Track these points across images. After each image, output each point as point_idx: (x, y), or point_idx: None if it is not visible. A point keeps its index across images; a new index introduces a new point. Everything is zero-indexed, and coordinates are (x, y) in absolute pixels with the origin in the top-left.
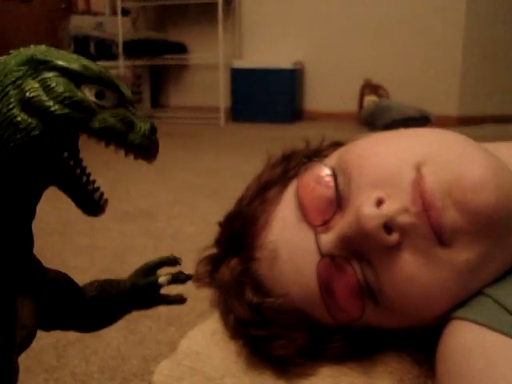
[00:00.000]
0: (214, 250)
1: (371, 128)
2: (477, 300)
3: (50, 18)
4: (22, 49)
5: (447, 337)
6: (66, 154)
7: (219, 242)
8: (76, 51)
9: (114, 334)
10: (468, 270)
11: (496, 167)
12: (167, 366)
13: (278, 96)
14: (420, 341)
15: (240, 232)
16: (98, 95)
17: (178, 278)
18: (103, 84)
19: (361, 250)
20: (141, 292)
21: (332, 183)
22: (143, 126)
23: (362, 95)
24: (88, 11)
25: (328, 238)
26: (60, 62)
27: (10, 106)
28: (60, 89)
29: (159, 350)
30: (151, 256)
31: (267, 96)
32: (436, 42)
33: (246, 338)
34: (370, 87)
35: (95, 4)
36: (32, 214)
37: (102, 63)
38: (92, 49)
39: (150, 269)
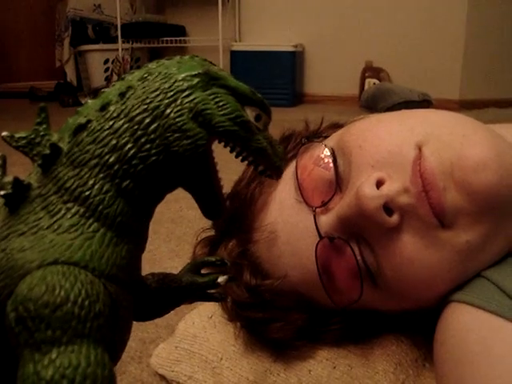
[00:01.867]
0: (211, 233)
1: (372, 111)
2: (476, 283)
3: (47, 0)
4: (188, 58)
5: (445, 320)
6: (215, 162)
7: (217, 224)
8: (74, 34)
9: None
10: (469, 251)
11: (499, 147)
12: (165, 349)
13: (279, 79)
14: (418, 324)
15: (238, 214)
16: (257, 118)
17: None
18: (262, 108)
19: (360, 232)
20: (196, 289)
21: (331, 164)
22: (280, 150)
23: (363, 78)
24: None
25: (327, 219)
26: (230, 82)
27: (181, 113)
28: (231, 106)
29: (157, 333)
30: (150, 240)
31: (267, 79)
32: (438, 25)
33: (244, 321)
34: (371, 70)
35: None
36: (151, 216)
37: (100, 46)
38: (90, 31)
39: (198, 267)
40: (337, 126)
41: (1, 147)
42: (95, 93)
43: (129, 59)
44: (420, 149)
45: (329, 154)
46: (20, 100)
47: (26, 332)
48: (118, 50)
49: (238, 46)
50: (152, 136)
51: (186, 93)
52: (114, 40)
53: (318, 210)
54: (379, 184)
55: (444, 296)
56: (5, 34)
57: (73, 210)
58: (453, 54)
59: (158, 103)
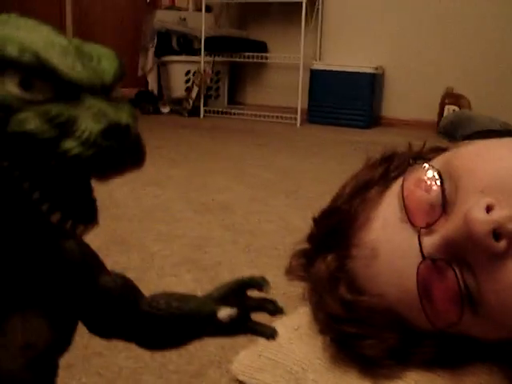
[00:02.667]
0: (305, 246)
1: (450, 138)
2: None
3: (135, 12)
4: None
5: None
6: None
7: (313, 238)
8: (158, 45)
9: None
10: None
11: None
12: (247, 357)
13: (357, 100)
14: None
15: (337, 229)
16: (24, 85)
17: (267, 308)
18: (35, 71)
19: (464, 255)
20: (218, 325)
21: (437, 186)
22: (92, 127)
23: (442, 104)
24: (172, 6)
25: (431, 241)
26: None
27: None
28: None
29: (236, 340)
30: (230, 249)
31: (345, 99)
32: None
33: (336, 334)
34: (452, 96)
35: (179, 0)
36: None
37: (183, 57)
38: (174, 43)
39: (240, 287)
40: (439, 150)
41: None
42: (175, 102)
43: (210, 72)
44: None
45: (436, 176)
46: None
47: None
48: (199, 62)
49: (318, 65)
50: None
51: None
52: (197, 52)
53: (422, 230)
54: (488, 209)
55: None
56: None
57: None
58: None
59: None
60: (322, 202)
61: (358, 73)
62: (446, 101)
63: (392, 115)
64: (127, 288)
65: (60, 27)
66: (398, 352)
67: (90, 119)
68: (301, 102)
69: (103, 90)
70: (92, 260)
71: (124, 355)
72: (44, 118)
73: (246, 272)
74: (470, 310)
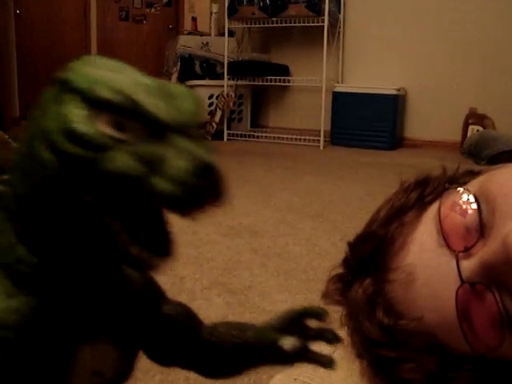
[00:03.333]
0: (340, 270)
1: (475, 159)
2: None
3: (158, 38)
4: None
5: None
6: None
7: (349, 262)
8: (182, 69)
9: None
10: None
11: None
12: (282, 380)
13: (379, 122)
14: None
15: (374, 253)
16: (118, 126)
17: (326, 337)
18: (129, 113)
19: (502, 279)
20: (280, 354)
21: (475, 210)
22: (181, 165)
23: (466, 125)
24: (195, 31)
25: (469, 265)
26: (78, 84)
27: (33, 138)
28: (70, 117)
29: None
30: (259, 272)
31: (368, 121)
32: None
33: (373, 358)
34: (475, 117)
35: (202, 25)
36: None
37: (206, 81)
38: (197, 68)
39: (299, 317)
40: (472, 173)
41: None
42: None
43: (233, 95)
44: None
45: (472, 200)
46: None
47: None
48: (223, 86)
49: (341, 88)
50: (18, 169)
51: (42, 110)
52: (220, 76)
53: (460, 254)
54: None
55: None
56: None
57: None
58: None
59: (29, 131)
60: (349, 224)
61: (381, 94)
62: (470, 121)
63: (415, 136)
64: (188, 316)
65: (85, 49)
66: (437, 376)
67: (177, 157)
68: (323, 124)
69: (185, 128)
70: (154, 289)
71: (158, 378)
72: (134, 156)
73: (275, 296)
74: (510, 335)
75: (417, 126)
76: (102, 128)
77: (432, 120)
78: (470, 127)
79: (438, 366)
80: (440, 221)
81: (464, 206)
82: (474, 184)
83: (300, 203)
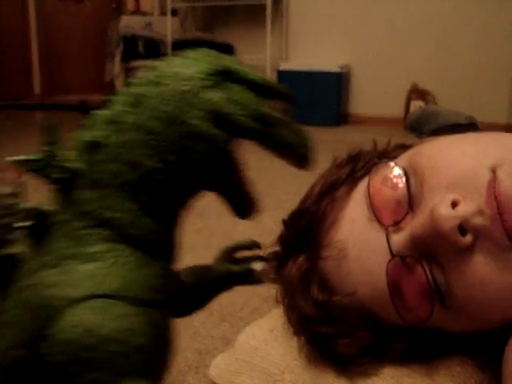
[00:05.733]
0: (276, 248)
1: (417, 134)
2: None
3: (100, 18)
4: (197, 54)
5: None
6: (239, 160)
7: (284, 240)
8: (125, 50)
9: None
10: None
11: None
12: (224, 360)
13: (324, 99)
14: (484, 346)
15: (307, 230)
16: (276, 107)
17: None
18: (280, 96)
19: (432, 251)
20: (232, 278)
21: (403, 184)
22: (303, 137)
23: (408, 100)
24: (137, 11)
25: (399, 238)
26: (246, 75)
27: (197, 116)
28: (249, 103)
29: (213, 344)
30: (202, 253)
31: (313, 99)
32: (486, 47)
33: (310, 335)
34: (417, 92)
35: (144, 4)
36: (178, 225)
37: (150, 62)
38: (140, 48)
39: (230, 252)
40: (403, 147)
41: None
42: None
43: None
44: (494, 171)
45: (401, 173)
46: (71, 113)
47: (68, 377)
48: None
49: (285, 66)
50: (168, 145)
51: (202, 93)
52: (164, 56)
53: (389, 228)
54: (454, 205)
55: None
56: (57, 49)
57: (99, 236)
58: (501, 77)
59: (173, 109)
60: (293, 202)
61: (325, 72)
62: (412, 96)
63: (360, 112)
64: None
65: (23, 36)
66: (372, 349)
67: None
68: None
69: None
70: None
71: None
72: (290, 129)
73: None
74: (440, 305)
75: (361, 102)
76: (269, 109)
77: (376, 96)
78: (413, 102)
79: (373, 339)
80: (369, 195)
81: (393, 180)
82: (404, 157)
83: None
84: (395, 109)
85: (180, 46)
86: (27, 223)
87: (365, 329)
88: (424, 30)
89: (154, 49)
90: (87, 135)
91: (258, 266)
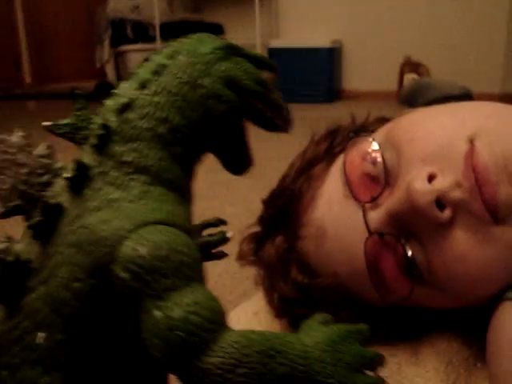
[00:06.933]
0: (257, 228)
1: (412, 106)
2: None
3: (87, 3)
4: (205, 35)
5: (498, 319)
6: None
7: (263, 220)
8: (113, 35)
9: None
10: None
11: None
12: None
13: (317, 76)
14: (469, 322)
15: (285, 209)
16: (269, 79)
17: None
18: (272, 70)
19: (410, 228)
20: (208, 248)
21: (380, 159)
22: (286, 105)
23: (401, 73)
24: None
25: (376, 215)
26: (246, 51)
27: (214, 81)
28: (253, 71)
29: None
30: None
31: (305, 76)
32: (478, 17)
33: (291, 317)
34: (410, 65)
35: None
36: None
37: (140, 46)
38: (129, 31)
39: (198, 230)
40: (384, 120)
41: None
42: None
43: None
44: (472, 142)
45: (377, 148)
46: (62, 100)
47: (145, 286)
48: (156, 49)
49: (276, 43)
50: (192, 104)
51: (215, 64)
52: (153, 39)
53: (367, 205)
54: (431, 179)
55: (497, 294)
56: (45, 36)
57: (138, 180)
58: (494, 46)
59: (192, 75)
60: None
61: (316, 48)
62: (405, 69)
63: (353, 88)
64: None
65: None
66: None
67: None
68: None
69: None
70: None
71: None
72: (278, 94)
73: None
74: (420, 282)
75: (354, 78)
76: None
77: (369, 70)
78: (406, 75)
79: (356, 319)
80: (345, 171)
81: (369, 155)
82: (382, 131)
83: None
84: (389, 83)
85: (169, 28)
86: (67, 175)
87: (347, 309)
88: (415, 2)
89: (142, 32)
90: (115, 100)
91: (230, 234)
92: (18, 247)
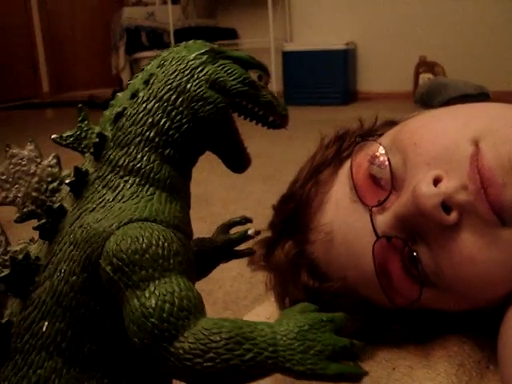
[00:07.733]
0: (268, 234)
1: (427, 107)
2: None
3: (103, 11)
4: (192, 42)
5: (509, 320)
6: (236, 123)
7: (273, 225)
8: (128, 42)
9: None
10: None
11: None
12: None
13: (331, 78)
14: (480, 325)
15: (294, 215)
16: (259, 78)
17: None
18: (262, 70)
19: (417, 231)
20: (230, 245)
21: (386, 163)
22: (282, 101)
23: (417, 73)
24: (139, 2)
25: (384, 219)
26: (233, 53)
27: (199, 85)
28: (238, 72)
29: None
30: None
31: (320, 78)
32: (494, 15)
33: None
34: (426, 65)
35: None
36: (190, 177)
37: (155, 52)
38: (144, 39)
39: (227, 228)
40: (391, 124)
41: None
42: None
43: None
44: (477, 144)
45: (383, 152)
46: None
47: (124, 277)
48: None
49: (290, 47)
50: (180, 108)
51: (200, 68)
52: (168, 46)
53: (374, 209)
54: (436, 182)
55: (506, 296)
56: (63, 45)
57: (130, 181)
58: (509, 45)
59: (178, 81)
60: None
61: (330, 50)
62: (420, 70)
63: (368, 89)
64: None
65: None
66: (366, 333)
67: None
68: (275, 85)
69: None
70: None
71: None
72: (270, 94)
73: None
74: (428, 285)
75: (369, 79)
76: (253, 78)
77: (384, 71)
78: (421, 75)
79: (366, 323)
80: (352, 176)
81: (376, 159)
82: (389, 135)
83: (251, 167)
84: (404, 83)
85: (183, 34)
86: (68, 180)
87: (357, 313)
88: (429, 2)
89: (157, 39)
90: (111, 110)
91: (252, 231)
92: (33, 247)
